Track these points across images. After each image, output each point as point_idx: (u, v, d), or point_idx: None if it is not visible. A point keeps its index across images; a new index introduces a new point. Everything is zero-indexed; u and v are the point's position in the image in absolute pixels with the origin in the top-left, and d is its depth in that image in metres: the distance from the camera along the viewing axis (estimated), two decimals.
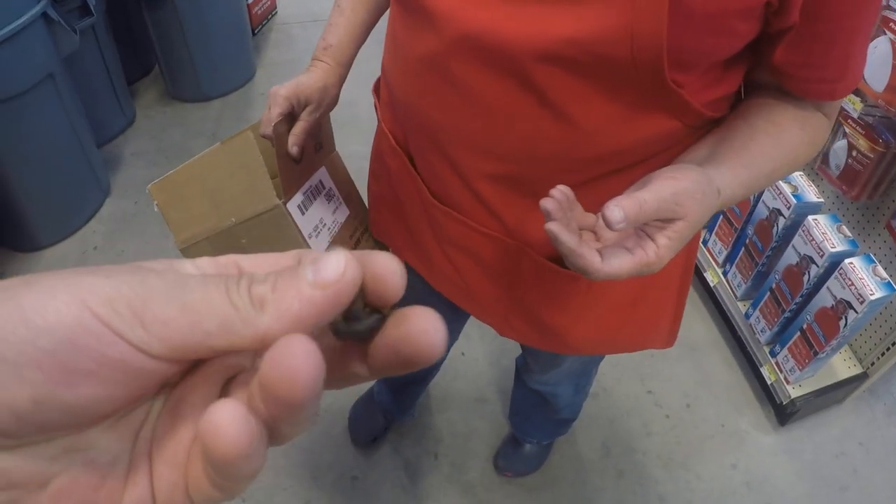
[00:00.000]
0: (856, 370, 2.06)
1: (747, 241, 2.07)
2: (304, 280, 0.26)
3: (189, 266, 0.29)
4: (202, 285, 0.26)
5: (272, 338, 0.25)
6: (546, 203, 0.63)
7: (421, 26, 0.78)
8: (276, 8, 3.61)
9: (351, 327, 0.27)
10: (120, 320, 0.24)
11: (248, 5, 3.14)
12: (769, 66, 0.77)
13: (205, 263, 0.29)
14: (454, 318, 1.45)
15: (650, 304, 1.05)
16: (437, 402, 2.01)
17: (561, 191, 0.65)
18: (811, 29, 0.70)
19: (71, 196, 2.41)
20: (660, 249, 0.66)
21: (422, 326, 0.28)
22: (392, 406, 1.84)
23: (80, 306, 0.24)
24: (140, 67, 3.14)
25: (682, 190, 0.65)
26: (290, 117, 0.99)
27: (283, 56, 3.35)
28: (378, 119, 1.04)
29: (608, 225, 0.60)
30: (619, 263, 0.65)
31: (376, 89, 1.05)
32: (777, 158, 0.78)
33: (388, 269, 0.28)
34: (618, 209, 0.59)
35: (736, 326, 2.18)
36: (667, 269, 1.03)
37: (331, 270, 0.26)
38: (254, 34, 3.31)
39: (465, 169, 0.86)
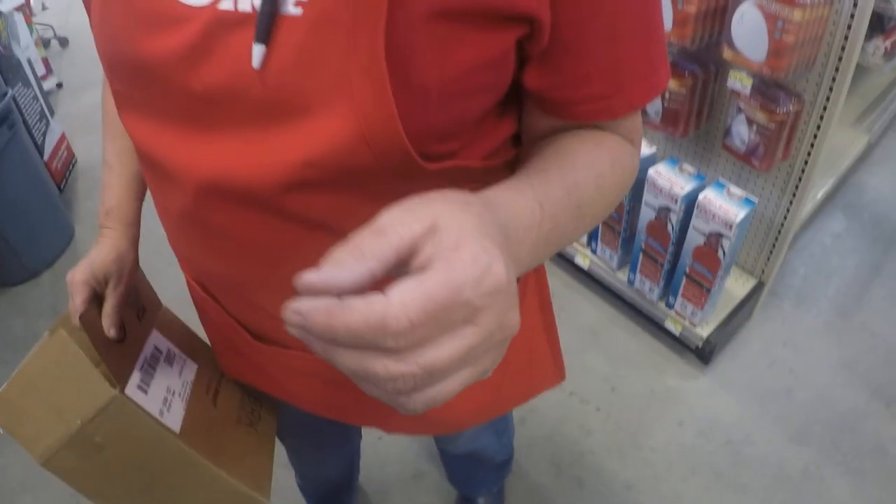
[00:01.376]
0: (751, 284, 2.06)
1: None
2: None
3: None
4: None
5: None
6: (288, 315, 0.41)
7: (165, 183, 0.69)
8: (74, 156, 3.37)
9: None
10: None
11: (45, 163, 2.91)
12: (532, 98, 0.66)
13: None
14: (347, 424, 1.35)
15: (521, 352, 0.96)
16: (376, 497, 1.89)
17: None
18: (559, 41, 0.59)
19: None
20: (454, 256, 0.39)
21: None
22: None
23: None
24: None
25: (406, 204, 0.44)
26: (98, 298, 0.90)
27: (97, 203, 3.12)
28: (181, 268, 0.95)
29: (312, 290, 0.39)
30: (409, 289, 0.37)
31: None
32: (575, 170, 0.63)
33: None
34: (314, 272, 0.39)
35: (624, 296, 2.15)
36: (525, 311, 0.92)
37: None
38: (61, 191, 3.09)
39: (269, 307, 0.78)
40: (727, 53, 1.55)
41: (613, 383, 2.07)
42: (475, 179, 0.62)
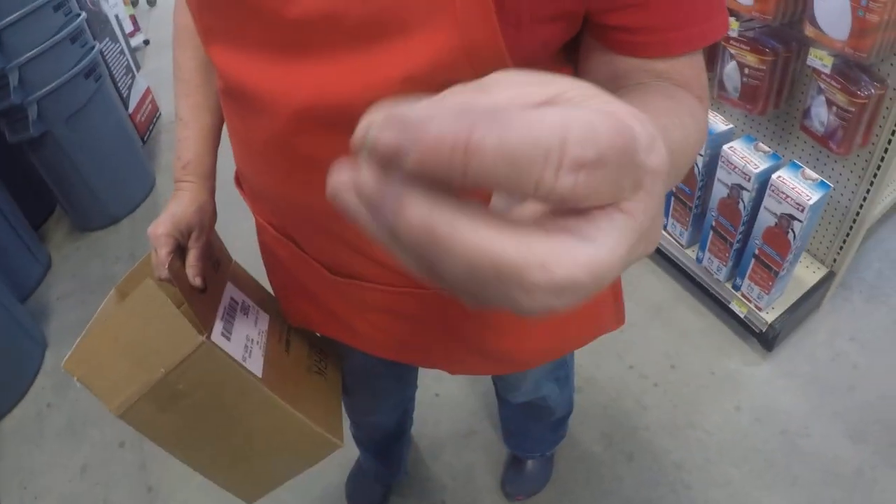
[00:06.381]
0: (821, 272, 2.02)
1: (674, 189, 2.01)
2: None
3: None
4: None
5: None
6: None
7: (253, 112, 0.72)
8: (158, 110, 3.53)
9: None
10: None
11: (130, 116, 3.06)
12: (591, 31, 0.66)
13: None
14: (404, 372, 1.40)
15: None
16: (427, 452, 1.94)
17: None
18: None
19: (8, 360, 2.32)
20: (640, 202, 0.28)
21: None
22: (382, 470, 1.78)
23: None
24: (42, 209, 3.04)
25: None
26: (180, 251, 0.94)
27: None
28: (251, 211, 0.98)
29: None
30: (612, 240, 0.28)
31: (238, 182, 0.98)
32: (659, 116, 0.61)
33: None
34: None
35: (692, 273, 2.13)
36: None
37: None
38: (144, 143, 3.23)
39: (351, 238, 0.81)
40: (809, 31, 1.53)
41: (674, 361, 2.07)
42: None
